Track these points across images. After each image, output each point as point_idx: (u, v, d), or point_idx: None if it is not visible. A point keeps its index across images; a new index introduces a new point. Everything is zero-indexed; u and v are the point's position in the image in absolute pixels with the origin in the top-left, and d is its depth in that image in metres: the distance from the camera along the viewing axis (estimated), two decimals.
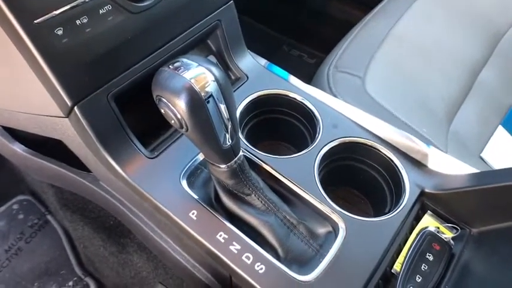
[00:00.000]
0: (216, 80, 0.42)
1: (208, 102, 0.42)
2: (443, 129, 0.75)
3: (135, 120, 0.59)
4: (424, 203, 0.57)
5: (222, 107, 0.44)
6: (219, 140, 0.45)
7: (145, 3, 0.51)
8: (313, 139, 0.62)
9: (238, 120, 0.61)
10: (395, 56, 0.85)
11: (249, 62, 0.70)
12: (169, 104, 0.42)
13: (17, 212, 1.17)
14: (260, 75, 0.69)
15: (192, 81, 0.41)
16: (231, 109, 0.45)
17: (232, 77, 0.69)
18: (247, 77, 0.68)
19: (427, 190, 0.56)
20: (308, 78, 0.93)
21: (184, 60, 0.43)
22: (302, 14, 1.68)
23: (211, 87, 0.42)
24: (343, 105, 0.65)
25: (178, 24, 0.58)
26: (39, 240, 1.13)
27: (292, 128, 0.69)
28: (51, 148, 0.75)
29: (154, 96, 0.43)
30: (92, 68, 0.49)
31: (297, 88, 0.68)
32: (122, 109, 0.56)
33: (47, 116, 0.54)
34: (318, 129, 0.62)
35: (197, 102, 0.41)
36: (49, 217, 1.15)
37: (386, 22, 0.95)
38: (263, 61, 0.73)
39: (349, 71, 0.79)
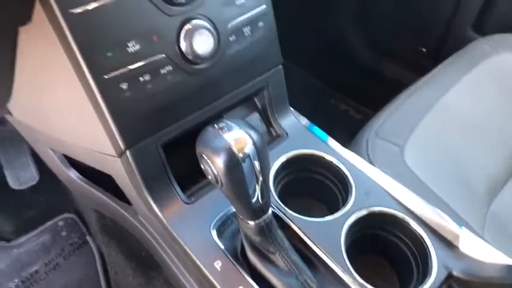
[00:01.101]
0: (254, 143, 0.46)
1: (244, 162, 0.46)
2: (482, 209, 0.73)
3: (178, 164, 0.64)
4: (452, 286, 0.55)
5: (257, 168, 0.47)
6: (250, 198, 0.48)
7: (201, 66, 0.57)
8: (344, 201, 0.63)
9: (272, 177, 0.64)
10: (440, 127, 0.85)
11: (290, 120, 0.74)
12: (208, 162, 0.46)
13: (62, 228, 1.26)
14: (300, 134, 0.72)
15: (232, 143, 0.45)
16: (264, 171, 0.48)
17: (273, 134, 0.73)
18: (287, 135, 0.72)
19: (455, 273, 0.55)
20: (352, 134, 0.95)
21: (228, 122, 0.47)
22: (353, 71, 1.72)
23: (249, 149, 0.46)
24: (378, 174, 0.66)
25: (229, 84, 0.63)
26: (76, 258, 1.20)
27: (325, 189, 0.71)
28: (100, 178, 0.82)
29: (197, 152, 0.48)
30: (147, 119, 0.55)
31: (334, 151, 0.70)
32: (167, 152, 0.61)
33: (102, 153, 0.61)
34: (350, 194, 0.63)
35: (233, 163, 0.45)
36: (88, 238, 1.22)
37: (436, 91, 0.96)
38: (304, 120, 0.76)
39: (389, 139, 0.80)
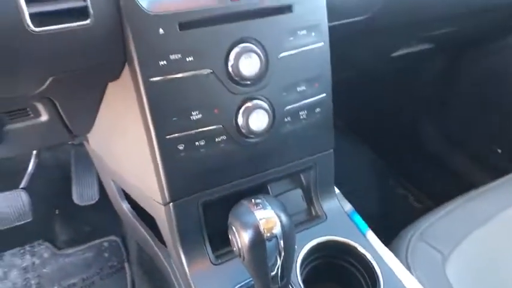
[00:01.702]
0: (282, 226, 0.48)
1: (269, 241, 0.48)
2: None
3: (215, 222, 0.67)
4: None
5: (281, 251, 0.49)
6: (269, 279, 0.50)
7: (253, 140, 0.61)
8: None
9: (301, 259, 0.64)
10: (493, 244, 0.79)
11: (332, 204, 0.74)
12: (236, 234, 0.48)
13: (105, 249, 1.34)
14: (339, 220, 0.72)
15: (261, 222, 0.47)
16: (288, 254, 0.49)
17: (313, 213, 0.74)
18: (326, 218, 0.72)
19: None
20: (403, 223, 0.92)
21: (264, 200, 0.50)
22: (420, 156, 1.67)
23: (276, 231, 0.48)
24: (412, 281, 0.63)
25: (277, 159, 0.66)
26: (110, 281, 1.26)
27: (352, 280, 0.69)
28: (147, 216, 0.88)
29: (228, 221, 0.51)
30: (195, 178, 0.60)
31: (371, 246, 0.68)
32: (207, 208, 0.65)
33: (150, 197, 0.66)
34: None
35: (258, 242, 0.47)
36: (126, 265, 1.28)
37: (500, 201, 0.90)
38: (348, 206, 0.76)
39: (434, 244, 0.76)
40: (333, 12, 0.63)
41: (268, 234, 0.47)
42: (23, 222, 1.21)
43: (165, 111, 0.55)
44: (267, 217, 0.48)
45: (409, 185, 1.66)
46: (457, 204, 0.89)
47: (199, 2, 0.53)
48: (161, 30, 0.51)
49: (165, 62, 0.52)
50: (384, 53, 1.05)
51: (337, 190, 0.78)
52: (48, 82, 0.52)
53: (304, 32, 0.59)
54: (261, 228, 0.47)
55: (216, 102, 0.57)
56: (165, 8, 0.51)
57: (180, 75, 0.54)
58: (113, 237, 1.37)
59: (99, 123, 0.75)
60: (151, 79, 0.53)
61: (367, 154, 1.78)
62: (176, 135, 0.56)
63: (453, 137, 1.56)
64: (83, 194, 1.31)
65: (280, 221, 0.48)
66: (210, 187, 0.62)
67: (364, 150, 1.79)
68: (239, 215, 0.49)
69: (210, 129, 0.58)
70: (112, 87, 0.62)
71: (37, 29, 0.46)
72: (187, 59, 0.53)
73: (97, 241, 1.35)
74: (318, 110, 0.65)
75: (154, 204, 0.66)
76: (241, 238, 0.48)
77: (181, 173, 0.59)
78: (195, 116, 0.56)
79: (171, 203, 0.61)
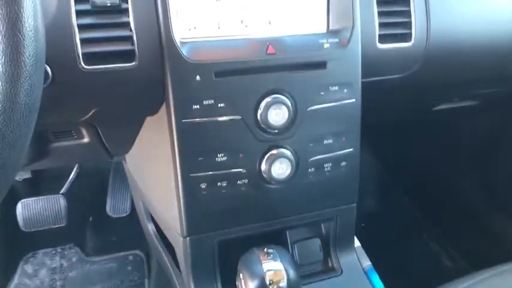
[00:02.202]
0: (289, 280, 0.49)
1: None
2: None
3: (228, 260, 0.68)
4: None
5: None
6: None
7: (274, 186, 0.62)
8: None
9: None
10: None
11: (350, 259, 0.73)
12: (242, 281, 0.49)
13: (129, 262, 1.38)
14: (355, 276, 0.71)
15: (267, 274, 0.48)
16: None
17: (329, 265, 0.73)
18: (342, 272, 0.71)
19: None
20: (433, 280, 0.87)
21: (275, 252, 0.51)
22: (459, 212, 1.59)
23: (282, 284, 0.48)
24: None
25: (298, 208, 0.67)
26: None
27: None
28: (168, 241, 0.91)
29: (237, 267, 0.52)
30: (213, 216, 0.62)
31: None
32: (224, 246, 0.66)
33: (172, 226, 0.69)
34: None
35: None
36: (146, 281, 1.32)
37: None
38: (366, 263, 0.74)
39: None
40: (368, 69, 0.64)
41: (274, 287, 0.48)
42: (57, 226, 1.29)
43: (193, 150, 0.58)
44: (275, 269, 0.49)
45: (443, 241, 1.58)
46: (498, 272, 0.84)
47: (236, 53, 0.56)
48: (198, 77, 0.54)
49: (198, 106, 0.55)
50: (423, 107, 1.03)
51: (358, 243, 0.77)
52: (91, 113, 0.57)
53: (336, 87, 0.61)
54: (267, 280, 0.48)
55: (241, 147, 0.59)
56: (204, 57, 0.55)
57: (210, 119, 0.56)
58: (138, 252, 1.41)
59: (136, 148, 0.79)
60: (184, 120, 0.56)
61: (403, 201, 1.72)
62: (200, 174, 0.59)
63: (497, 197, 1.47)
64: (115, 207, 1.38)
65: (288, 275, 0.49)
66: (228, 227, 0.64)
67: (400, 197, 1.73)
68: (248, 264, 0.50)
69: (233, 172, 0.60)
70: (149, 120, 0.66)
71: (87, 67, 0.51)
72: (219, 105, 0.56)
73: (122, 253, 1.39)
74: (343, 163, 0.66)
75: (174, 233, 0.69)
76: (246, 286, 0.49)
77: (200, 210, 0.61)
78: (220, 158, 0.58)
79: (188, 238, 0.63)
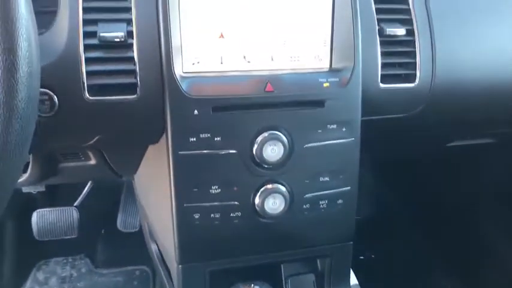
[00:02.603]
0: None
1: None
2: None
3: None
4: None
5: None
6: None
7: (268, 221, 0.63)
8: None
9: None
10: None
11: None
12: None
13: (135, 278, 1.40)
14: None
15: None
16: None
17: None
18: None
19: None
20: None
21: None
22: (475, 250, 1.53)
23: None
24: None
25: (292, 243, 0.67)
26: None
27: None
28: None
29: None
30: (206, 246, 0.63)
31: None
32: (216, 276, 0.66)
33: (170, 253, 0.70)
34: None
35: None
36: None
37: None
38: None
39: None
40: (369, 108, 0.64)
41: None
42: (69, 237, 1.33)
43: (188, 181, 0.59)
44: None
45: (455, 278, 1.52)
46: None
47: (234, 89, 0.58)
48: (196, 111, 0.56)
49: (194, 139, 0.57)
50: (435, 143, 1.01)
51: (354, 281, 0.76)
52: (95, 139, 0.60)
53: (334, 126, 0.61)
54: None
55: (236, 181, 0.60)
56: (202, 92, 0.56)
57: (206, 151, 0.58)
58: (145, 268, 1.43)
59: (142, 170, 0.82)
60: (180, 152, 0.57)
61: (417, 238, 1.67)
62: (194, 204, 0.60)
63: None
64: (126, 222, 1.41)
65: None
66: (220, 258, 0.65)
67: (413, 230, 1.69)
68: None
69: (227, 205, 0.60)
70: (152, 147, 0.68)
71: (91, 98, 0.54)
72: (216, 139, 0.57)
73: (130, 268, 1.41)
74: (340, 201, 0.65)
75: (171, 258, 0.70)
76: None
77: (193, 239, 0.62)
78: (214, 190, 0.59)
79: (180, 265, 0.64)
